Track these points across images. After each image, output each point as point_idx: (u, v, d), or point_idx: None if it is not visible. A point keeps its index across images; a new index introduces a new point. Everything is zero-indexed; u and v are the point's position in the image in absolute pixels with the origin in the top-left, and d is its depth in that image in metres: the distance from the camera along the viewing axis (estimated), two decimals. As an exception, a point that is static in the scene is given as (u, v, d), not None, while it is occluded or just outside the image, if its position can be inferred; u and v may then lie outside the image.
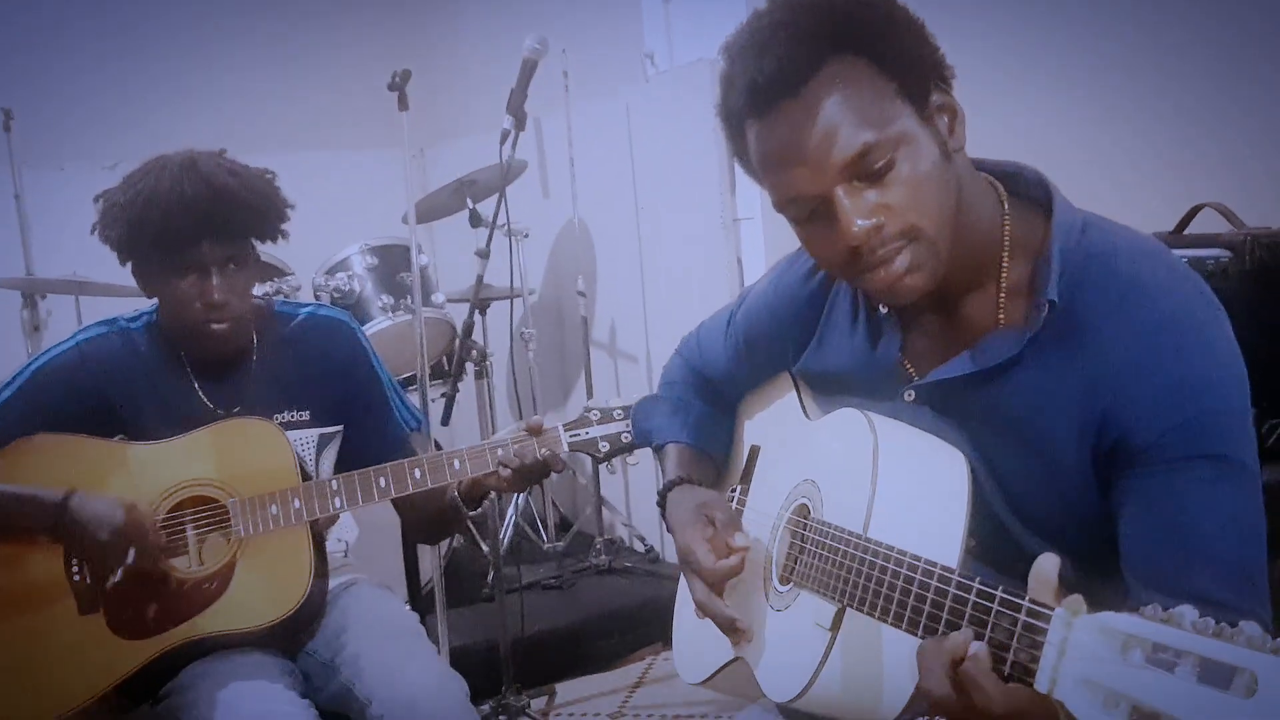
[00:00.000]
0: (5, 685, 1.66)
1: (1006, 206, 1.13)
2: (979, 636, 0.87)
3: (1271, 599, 1.02)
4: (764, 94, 1.05)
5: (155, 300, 1.83)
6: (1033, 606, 0.82)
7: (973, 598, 0.89)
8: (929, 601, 0.93)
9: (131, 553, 1.64)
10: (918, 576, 0.96)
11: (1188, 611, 0.68)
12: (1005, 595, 0.85)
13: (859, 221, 1.03)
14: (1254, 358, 1.62)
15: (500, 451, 1.75)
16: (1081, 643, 0.75)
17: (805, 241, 1.13)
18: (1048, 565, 0.86)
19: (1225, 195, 1.89)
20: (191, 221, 1.70)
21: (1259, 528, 1.03)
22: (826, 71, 1.03)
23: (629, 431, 1.80)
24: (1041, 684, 0.78)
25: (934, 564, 0.95)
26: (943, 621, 0.91)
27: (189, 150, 1.77)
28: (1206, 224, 1.87)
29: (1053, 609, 0.80)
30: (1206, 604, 0.97)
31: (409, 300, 3.34)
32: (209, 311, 1.75)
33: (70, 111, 4.27)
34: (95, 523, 1.64)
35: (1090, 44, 2.36)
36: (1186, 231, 1.89)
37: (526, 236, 3.62)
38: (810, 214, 1.08)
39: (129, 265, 1.80)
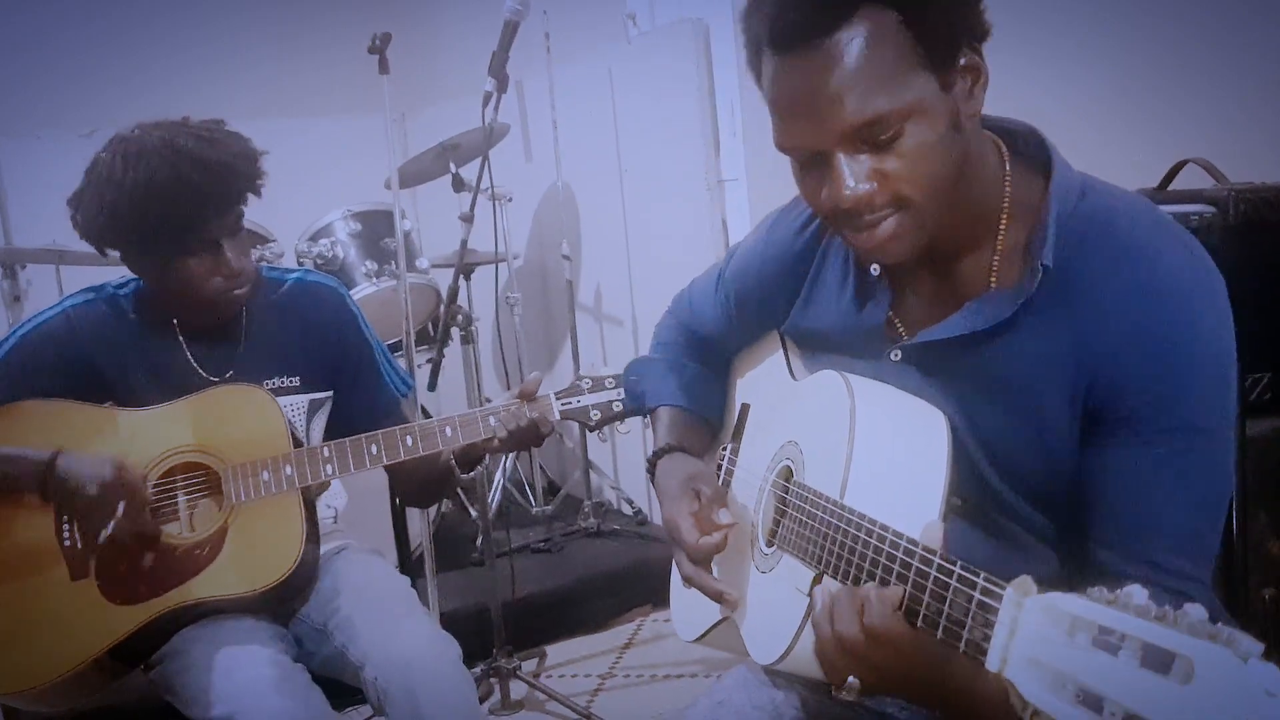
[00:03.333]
0: (-2, 652, 1.67)
1: (1008, 168, 1.12)
2: (939, 612, 0.88)
3: (1254, 554, 1.04)
4: (785, 33, 1.01)
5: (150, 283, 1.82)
6: (986, 585, 0.82)
7: (934, 572, 0.89)
8: (895, 574, 0.94)
9: (121, 506, 1.63)
10: (885, 548, 0.96)
11: (1136, 592, 0.68)
12: (962, 572, 0.86)
13: (852, 185, 1.02)
14: (1237, 313, 1.63)
15: (492, 419, 1.75)
16: (1030, 623, 0.76)
17: (799, 182, 1.11)
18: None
19: (1209, 151, 1.89)
20: (197, 205, 1.68)
21: (1222, 494, 1.05)
22: (854, 24, 0.98)
23: (620, 400, 1.80)
24: (993, 663, 0.79)
25: (900, 535, 0.95)
26: (905, 594, 0.92)
27: (153, 126, 1.72)
28: (1191, 179, 1.87)
29: (1004, 588, 0.80)
30: (1158, 569, 1.00)
31: (393, 266, 3.32)
32: (228, 282, 1.75)
33: (46, 79, 4.22)
34: (83, 478, 1.63)
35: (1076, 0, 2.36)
36: (1171, 187, 1.90)
37: (510, 200, 3.60)
38: (808, 160, 1.06)
39: (116, 254, 1.77)
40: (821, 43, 0.99)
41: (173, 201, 1.66)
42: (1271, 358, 1.68)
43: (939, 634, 0.87)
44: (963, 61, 1.03)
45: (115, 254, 1.77)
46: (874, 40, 0.98)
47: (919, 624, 0.90)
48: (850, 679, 0.97)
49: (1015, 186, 1.11)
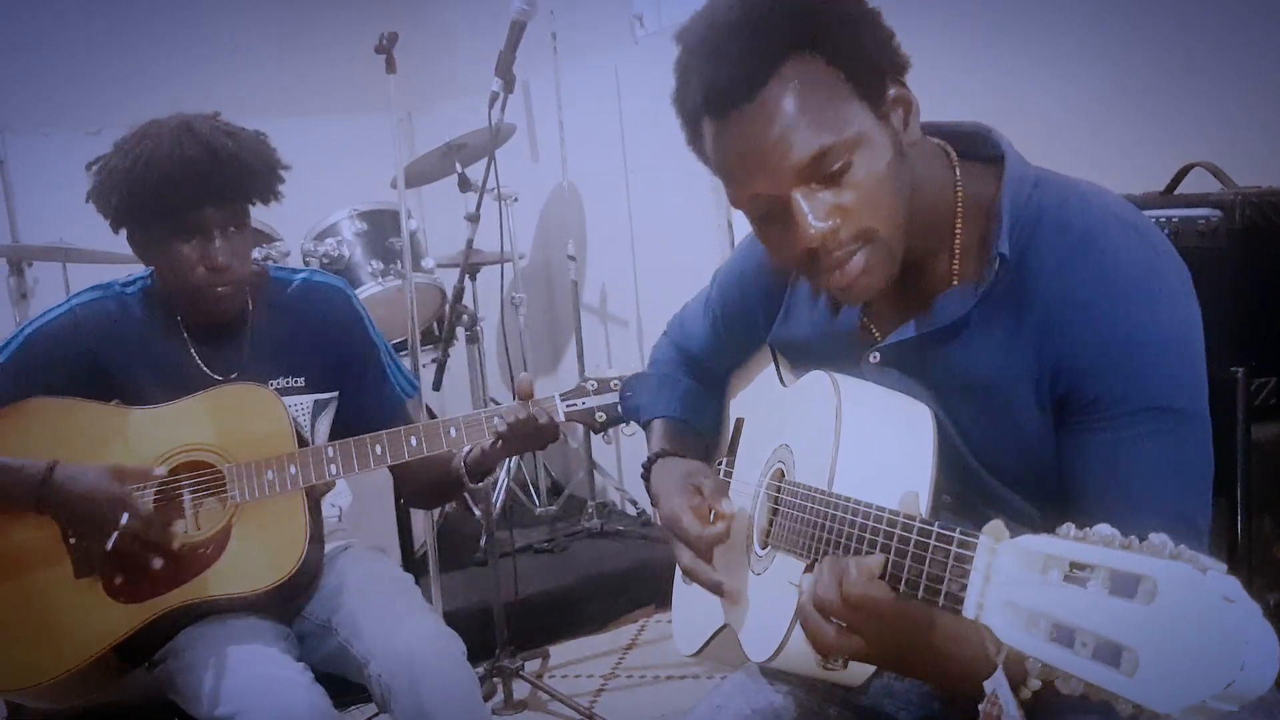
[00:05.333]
0: (2, 647, 1.67)
1: (958, 171, 1.14)
2: (919, 574, 0.89)
3: (1259, 557, 1.04)
4: (720, 97, 1.05)
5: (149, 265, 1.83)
6: (963, 537, 0.84)
7: (915, 536, 0.90)
8: (879, 546, 0.95)
9: (125, 517, 1.64)
10: (869, 523, 0.97)
11: (1104, 528, 0.69)
12: (940, 530, 0.87)
13: (815, 224, 1.04)
14: (1243, 317, 1.63)
15: (496, 420, 1.75)
16: (1004, 567, 0.77)
17: (762, 239, 1.14)
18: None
19: (1216, 154, 1.89)
20: (193, 185, 1.69)
21: (1203, 474, 1.05)
22: (783, 73, 1.03)
23: None
24: (969, 610, 0.80)
25: (882, 509, 0.96)
26: (889, 562, 0.93)
27: (182, 114, 1.75)
28: (1197, 183, 1.87)
29: (978, 537, 0.81)
30: None
31: (399, 265, 3.33)
32: (213, 275, 1.74)
33: (54, 77, 4.23)
34: (82, 494, 1.64)
35: (1078, 1, 2.35)
36: (1177, 191, 1.90)
37: (516, 200, 3.61)
38: (766, 213, 1.09)
39: (124, 233, 1.78)
40: (758, 95, 1.03)
41: (170, 177, 1.67)
42: (1277, 362, 1.67)
43: (920, 594, 0.89)
44: (891, 94, 1.07)
45: (123, 234, 1.78)
46: (806, 84, 1.03)
47: (901, 589, 0.91)
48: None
49: (967, 186, 1.14)
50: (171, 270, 1.75)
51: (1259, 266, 1.69)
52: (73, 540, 1.70)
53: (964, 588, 0.81)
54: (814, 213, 1.04)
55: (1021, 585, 0.74)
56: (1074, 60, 2.33)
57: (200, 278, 1.74)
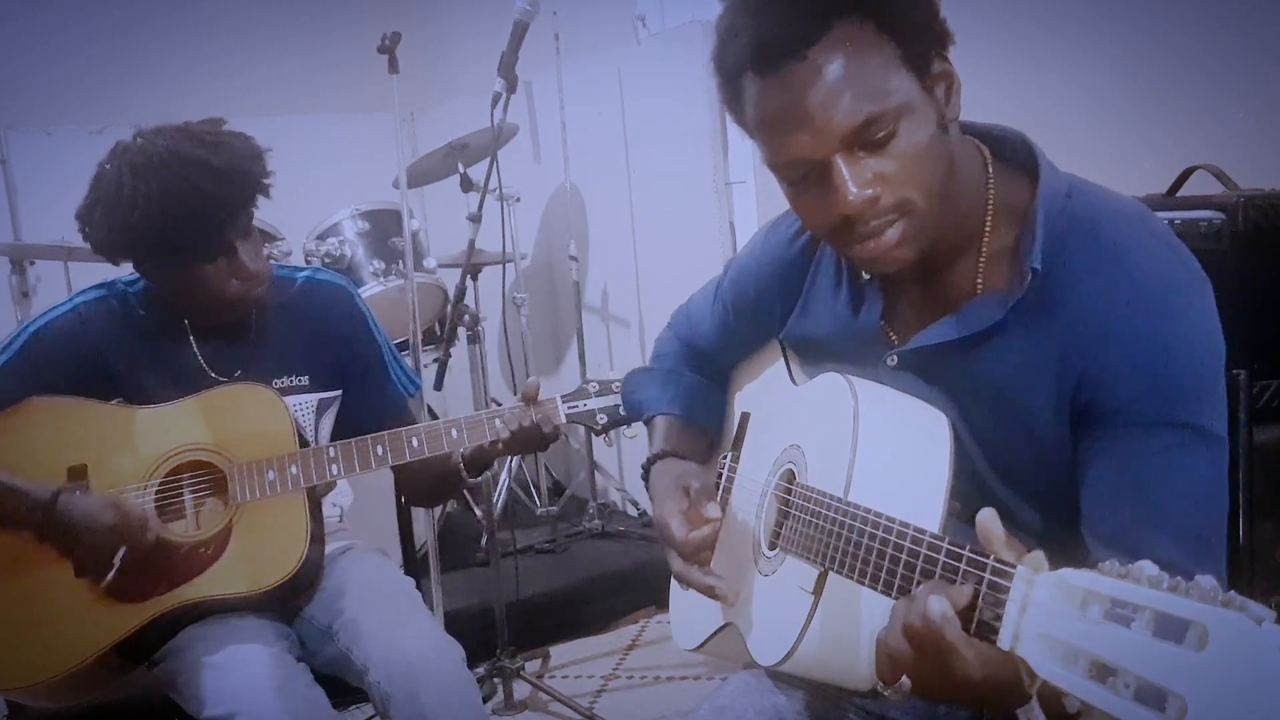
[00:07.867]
0: (3, 646, 1.67)
1: (991, 171, 1.13)
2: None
3: (1261, 561, 1.03)
4: (769, 53, 1.02)
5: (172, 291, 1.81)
6: (997, 565, 0.82)
7: (942, 558, 0.89)
8: (902, 563, 0.94)
9: (122, 551, 1.65)
10: (892, 539, 0.96)
11: (1146, 566, 0.68)
12: (971, 554, 0.86)
13: (856, 191, 1.02)
14: (1245, 319, 1.63)
15: (498, 423, 1.75)
16: (1042, 599, 0.76)
17: (795, 204, 1.12)
18: (989, 518, 0.86)
19: (1219, 157, 1.89)
20: (212, 213, 1.69)
21: (1219, 493, 1.04)
22: (834, 34, 1.01)
23: None
24: (1004, 641, 0.79)
25: (906, 525, 0.95)
26: (914, 583, 0.92)
27: (155, 134, 1.71)
28: (1200, 186, 1.87)
29: (1015, 567, 0.80)
30: (1161, 565, 0.99)
31: (400, 265, 3.33)
32: (246, 284, 1.76)
33: (57, 76, 4.23)
34: (83, 523, 1.64)
35: (1081, 3, 2.35)
36: (1180, 193, 1.89)
37: (518, 201, 3.61)
38: (804, 177, 1.07)
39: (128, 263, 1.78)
40: (805, 55, 1.01)
41: (188, 213, 1.67)
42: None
43: None
44: (936, 68, 1.05)
45: (127, 263, 1.78)
46: (856, 47, 1.01)
47: None
48: (903, 679, 0.94)
49: (999, 190, 1.12)
50: (203, 288, 1.75)
51: (1261, 269, 1.69)
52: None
53: (998, 616, 0.80)
54: (855, 179, 1.02)
55: (1059, 619, 0.73)
56: (1076, 62, 2.33)
57: (235, 289, 1.76)
